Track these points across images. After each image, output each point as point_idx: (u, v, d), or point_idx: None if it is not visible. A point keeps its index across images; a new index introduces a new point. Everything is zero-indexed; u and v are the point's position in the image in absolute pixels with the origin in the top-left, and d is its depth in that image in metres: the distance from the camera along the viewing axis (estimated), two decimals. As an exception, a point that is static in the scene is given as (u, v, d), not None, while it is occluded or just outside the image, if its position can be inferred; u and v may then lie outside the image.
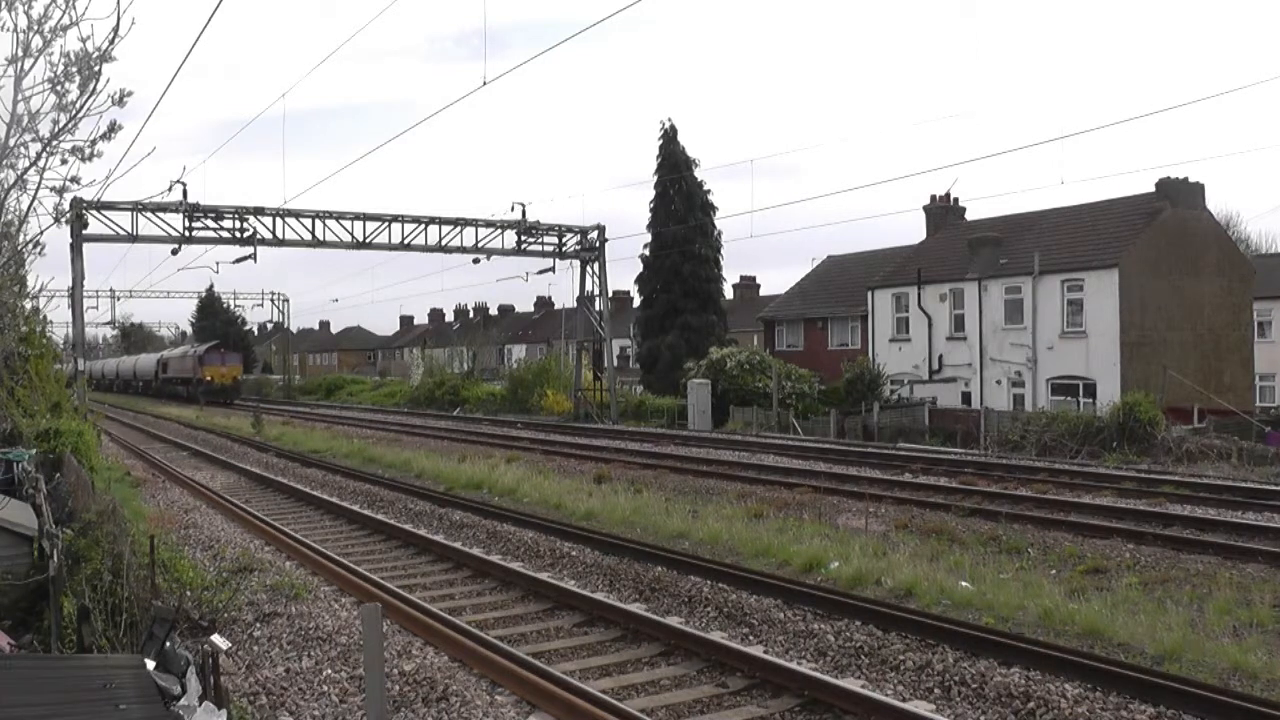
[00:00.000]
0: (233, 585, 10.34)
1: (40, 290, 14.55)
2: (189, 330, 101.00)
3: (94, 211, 31.60)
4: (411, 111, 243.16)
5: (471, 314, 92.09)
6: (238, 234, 34.50)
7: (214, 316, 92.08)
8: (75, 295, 32.49)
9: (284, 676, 7.94)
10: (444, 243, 37.65)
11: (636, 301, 54.09)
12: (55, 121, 7.16)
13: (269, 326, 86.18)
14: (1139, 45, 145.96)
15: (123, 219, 32.56)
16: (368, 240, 36.34)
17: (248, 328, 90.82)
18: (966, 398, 37.09)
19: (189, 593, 9.50)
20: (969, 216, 43.63)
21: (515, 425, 36.84)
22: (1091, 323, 33.57)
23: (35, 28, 6.84)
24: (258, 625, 9.45)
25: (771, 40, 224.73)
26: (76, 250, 31.85)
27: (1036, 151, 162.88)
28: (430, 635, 8.84)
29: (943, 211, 43.22)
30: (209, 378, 61.09)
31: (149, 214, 32.93)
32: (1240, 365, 36.08)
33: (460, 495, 17.99)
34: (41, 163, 7.36)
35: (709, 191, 47.98)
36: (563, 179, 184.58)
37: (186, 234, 33.68)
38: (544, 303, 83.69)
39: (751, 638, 9.07)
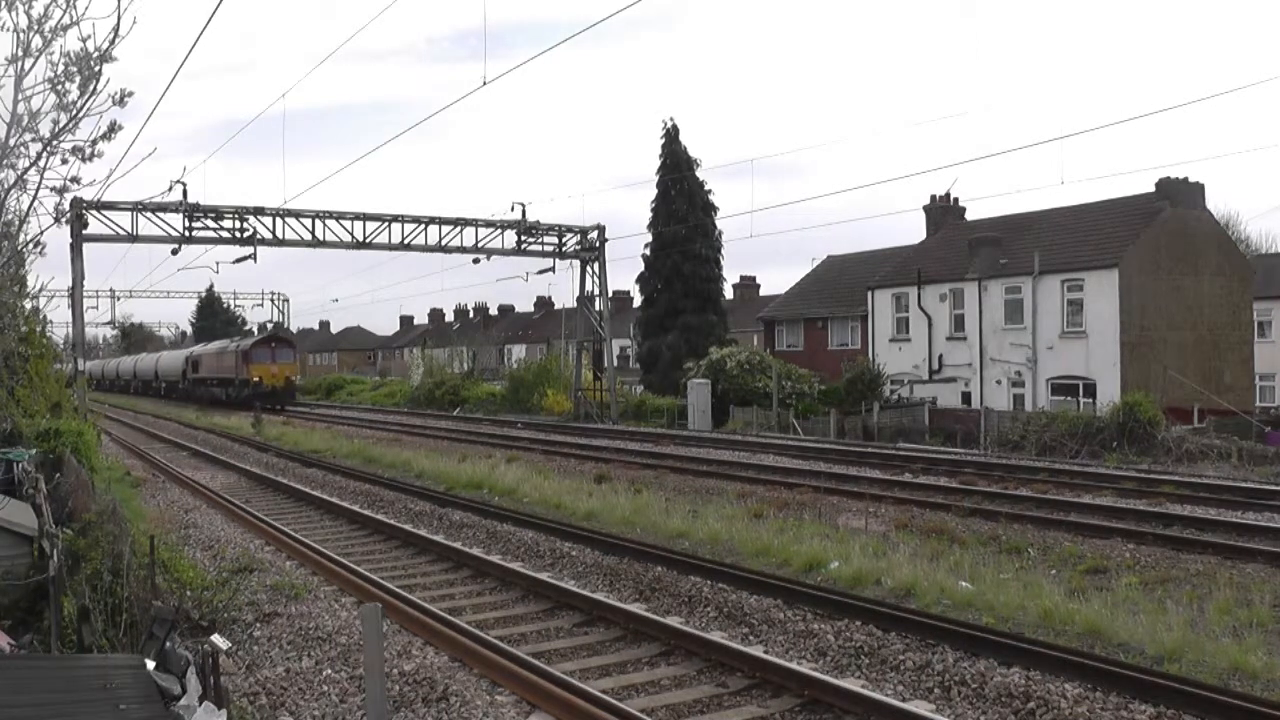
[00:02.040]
0: (233, 585, 10.33)
1: (40, 290, 14.60)
2: (189, 330, 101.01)
3: (94, 211, 31.63)
4: (411, 111, 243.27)
5: (471, 314, 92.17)
6: (238, 234, 34.51)
7: (214, 316, 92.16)
8: (75, 295, 32.50)
9: (284, 676, 7.94)
10: (444, 243, 37.65)
11: (637, 301, 54.11)
12: (55, 121, 7.18)
13: (269, 326, 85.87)
14: (1139, 45, 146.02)
15: (123, 219, 32.63)
16: (368, 240, 36.35)
17: (247, 328, 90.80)
18: (966, 398, 37.08)
19: (189, 593, 9.50)
20: (969, 216, 43.64)
21: (515, 425, 36.83)
22: (1091, 323, 33.57)
23: (36, 27, 6.86)
24: (258, 625, 9.45)
25: (771, 40, 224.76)
26: (76, 250, 31.86)
27: (1036, 151, 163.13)
28: (430, 635, 8.83)
29: (943, 211, 43.22)
30: (256, 378, 50.16)
31: (149, 214, 32.95)
32: (1240, 365, 36.09)
33: (460, 495, 17.99)
34: (42, 162, 7.38)
35: (710, 191, 48.06)
36: (563, 179, 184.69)
37: (186, 234, 33.70)
38: (544, 303, 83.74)
39: (751, 638, 9.07)
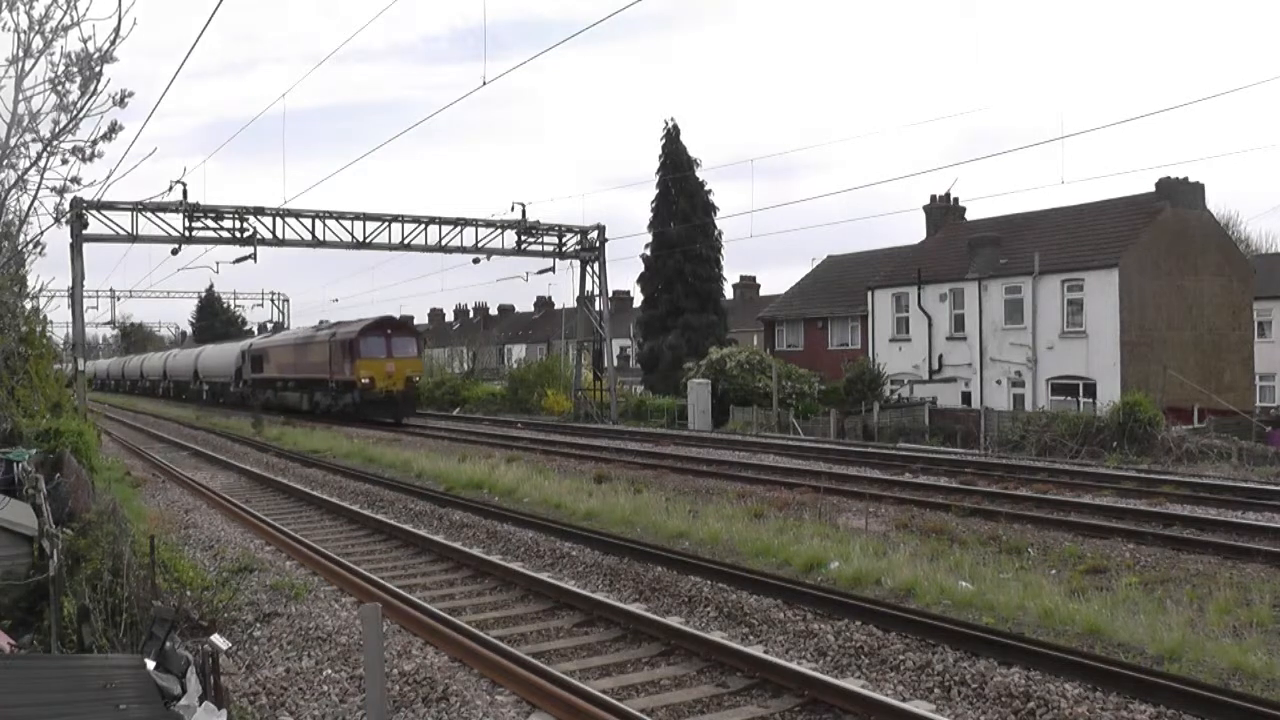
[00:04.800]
0: (233, 585, 10.35)
1: (40, 290, 14.64)
2: (189, 330, 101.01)
3: (94, 211, 31.63)
4: (411, 111, 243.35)
5: (471, 314, 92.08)
6: (238, 234, 34.51)
7: (214, 316, 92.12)
8: (75, 295, 32.50)
9: (284, 676, 7.95)
10: (444, 243, 37.66)
11: (637, 301, 54.12)
12: (56, 122, 7.19)
13: (269, 326, 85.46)
14: (1139, 45, 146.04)
15: (123, 219, 32.62)
16: (368, 240, 36.35)
17: (248, 328, 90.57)
18: (966, 398, 37.09)
19: (189, 593, 9.50)
20: (969, 216, 43.67)
21: (515, 425, 36.81)
22: (1091, 323, 33.58)
23: (36, 28, 6.87)
24: (258, 625, 9.46)
25: (771, 40, 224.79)
26: (76, 250, 31.86)
27: (1036, 151, 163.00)
28: (430, 635, 8.84)
29: (943, 211, 43.26)
30: (366, 378, 36.00)
31: (149, 214, 32.95)
32: (1240, 365, 36.11)
33: (460, 495, 17.99)
34: (42, 163, 7.39)
35: (710, 191, 48.12)
36: (563, 179, 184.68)
37: (186, 234, 33.69)
38: (544, 303, 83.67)
39: (751, 638, 9.07)
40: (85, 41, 6.89)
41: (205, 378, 55.33)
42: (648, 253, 48.13)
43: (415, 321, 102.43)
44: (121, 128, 7.33)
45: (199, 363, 57.04)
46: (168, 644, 6.39)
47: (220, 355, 53.93)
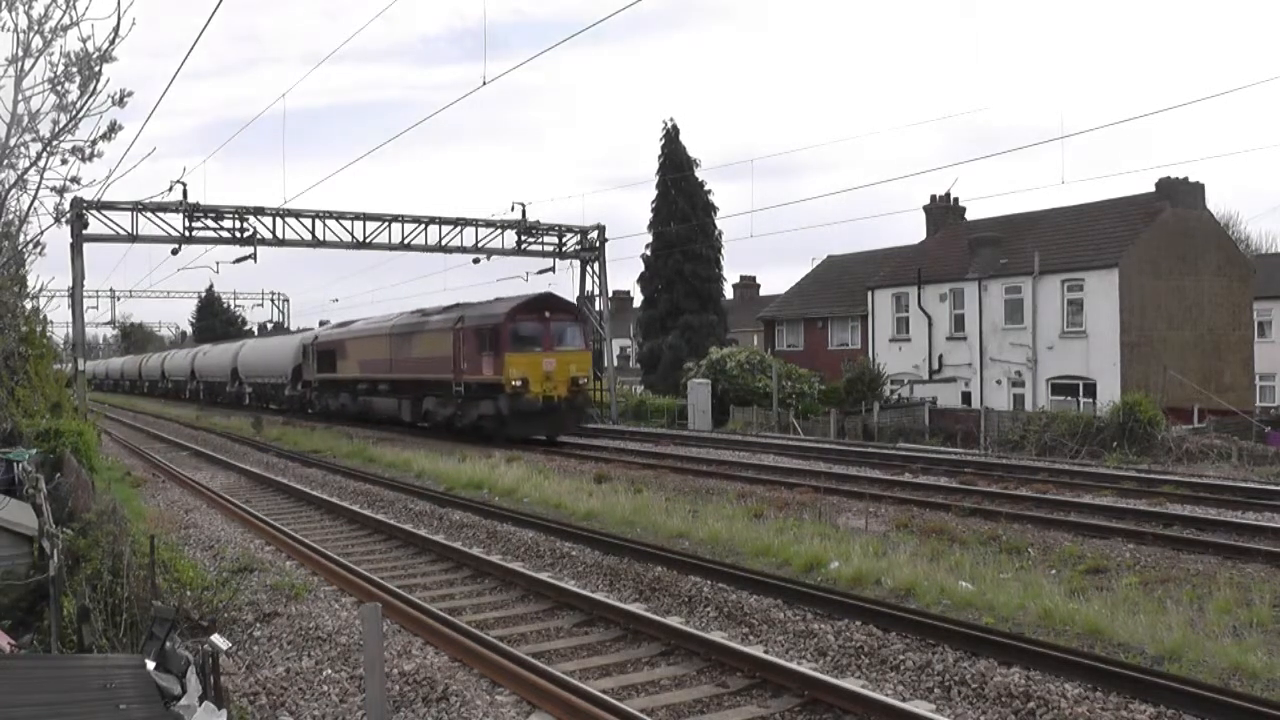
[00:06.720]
0: (233, 585, 10.34)
1: (40, 290, 14.64)
2: (189, 330, 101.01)
3: (94, 211, 31.61)
4: (411, 111, 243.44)
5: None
6: (238, 234, 34.48)
7: (214, 316, 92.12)
8: (75, 295, 32.49)
9: (284, 676, 7.95)
10: (444, 243, 37.65)
11: (637, 301, 54.07)
12: (55, 121, 7.20)
13: (269, 326, 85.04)
14: (1139, 45, 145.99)
15: (123, 219, 32.58)
16: (368, 240, 36.33)
17: (247, 328, 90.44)
18: (966, 398, 37.09)
19: (189, 593, 9.50)
20: (969, 216, 43.67)
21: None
22: (1091, 323, 33.58)
23: (36, 28, 6.87)
24: (258, 625, 9.46)
25: (771, 40, 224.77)
26: (76, 250, 31.84)
27: (1036, 151, 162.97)
28: (430, 635, 8.84)
29: (943, 211, 43.25)
30: (516, 380, 25.82)
31: (149, 214, 32.92)
32: (1240, 365, 36.11)
33: (460, 495, 17.99)
34: (42, 163, 7.40)
35: (710, 191, 48.12)
36: (563, 179, 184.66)
37: (186, 234, 33.66)
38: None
39: (751, 638, 9.07)
40: (84, 41, 6.90)
41: (248, 378, 46.37)
42: (648, 253, 48.16)
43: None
44: (121, 127, 7.35)
45: (239, 360, 47.48)
46: (168, 644, 6.39)
47: (269, 351, 44.23)
